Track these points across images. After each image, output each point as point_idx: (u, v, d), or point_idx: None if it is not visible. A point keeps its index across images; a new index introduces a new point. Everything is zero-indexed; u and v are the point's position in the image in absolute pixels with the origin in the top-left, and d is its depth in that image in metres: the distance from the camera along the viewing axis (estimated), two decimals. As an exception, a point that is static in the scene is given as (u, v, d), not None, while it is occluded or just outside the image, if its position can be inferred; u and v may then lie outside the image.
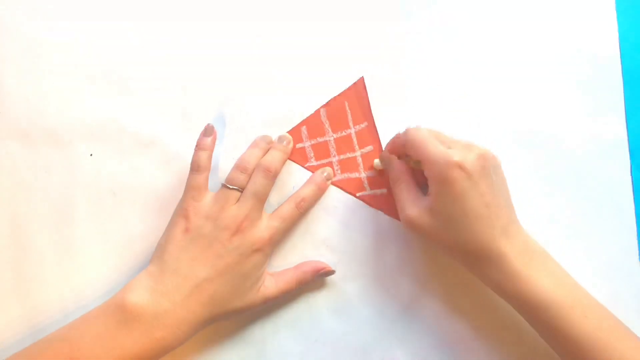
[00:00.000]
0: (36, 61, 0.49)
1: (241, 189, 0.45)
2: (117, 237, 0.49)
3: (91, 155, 0.49)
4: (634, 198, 0.51)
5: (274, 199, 0.50)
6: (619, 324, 0.40)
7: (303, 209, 0.48)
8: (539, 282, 0.39)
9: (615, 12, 0.53)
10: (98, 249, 0.48)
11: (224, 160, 0.51)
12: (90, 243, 0.48)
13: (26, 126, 0.49)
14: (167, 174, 0.50)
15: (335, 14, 0.53)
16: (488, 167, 0.40)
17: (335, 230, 0.51)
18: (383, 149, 0.50)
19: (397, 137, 0.45)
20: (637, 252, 0.51)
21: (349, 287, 0.50)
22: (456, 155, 0.39)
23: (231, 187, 0.44)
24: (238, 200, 0.45)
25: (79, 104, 0.50)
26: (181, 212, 0.44)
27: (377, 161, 0.50)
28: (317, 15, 0.53)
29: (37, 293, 0.48)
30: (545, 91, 0.53)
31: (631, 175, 0.51)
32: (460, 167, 0.39)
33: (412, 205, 0.42)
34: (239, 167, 0.45)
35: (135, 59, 0.51)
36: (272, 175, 0.46)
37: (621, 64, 0.53)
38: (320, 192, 0.49)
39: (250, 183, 0.45)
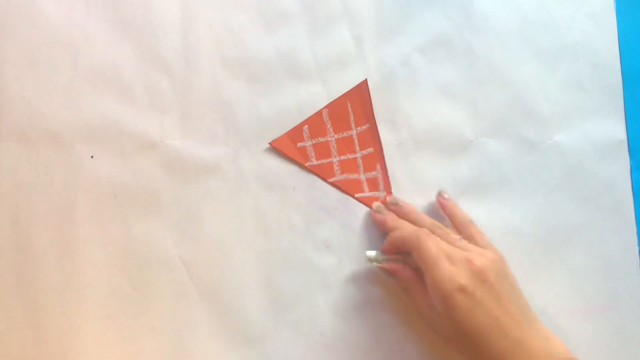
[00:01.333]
0: (37, 63, 0.49)
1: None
2: (118, 239, 0.49)
3: (92, 157, 0.49)
4: (633, 199, 0.52)
5: (275, 203, 0.50)
6: None
7: None
8: None
9: (614, 12, 0.53)
10: (99, 251, 0.48)
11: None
12: (91, 245, 0.48)
13: (27, 128, 0.49)
14: (168, 176, 0.50)
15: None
16: (490, 279, 0.39)
17: (335, 231, 0.51)
18: (383, 150, 0.51)
19: (405, 239, 0.43)
20: (637, 252, 0.51)
21: (350, 288, 0.50)
22: (461, 279, 0.38)
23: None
24: None
25: (80, 106, 0.49)
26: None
27: (376, 205, 0.50)
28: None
29: (38, 295, 0.48)
30: (544, 91, 0.53)
31: (631, 176, 0.52)
32: (462, 290, 0.38)
33: (429, 311, 0.42)
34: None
35: (134, 62, 0.51)
36: None
37: (621, 64, 0.53)
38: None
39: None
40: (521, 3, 0.54)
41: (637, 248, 0.51)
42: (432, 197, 0.51)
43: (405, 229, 0.45)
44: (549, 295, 0.51)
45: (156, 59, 0.51)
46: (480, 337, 0.38)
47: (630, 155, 0.52)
